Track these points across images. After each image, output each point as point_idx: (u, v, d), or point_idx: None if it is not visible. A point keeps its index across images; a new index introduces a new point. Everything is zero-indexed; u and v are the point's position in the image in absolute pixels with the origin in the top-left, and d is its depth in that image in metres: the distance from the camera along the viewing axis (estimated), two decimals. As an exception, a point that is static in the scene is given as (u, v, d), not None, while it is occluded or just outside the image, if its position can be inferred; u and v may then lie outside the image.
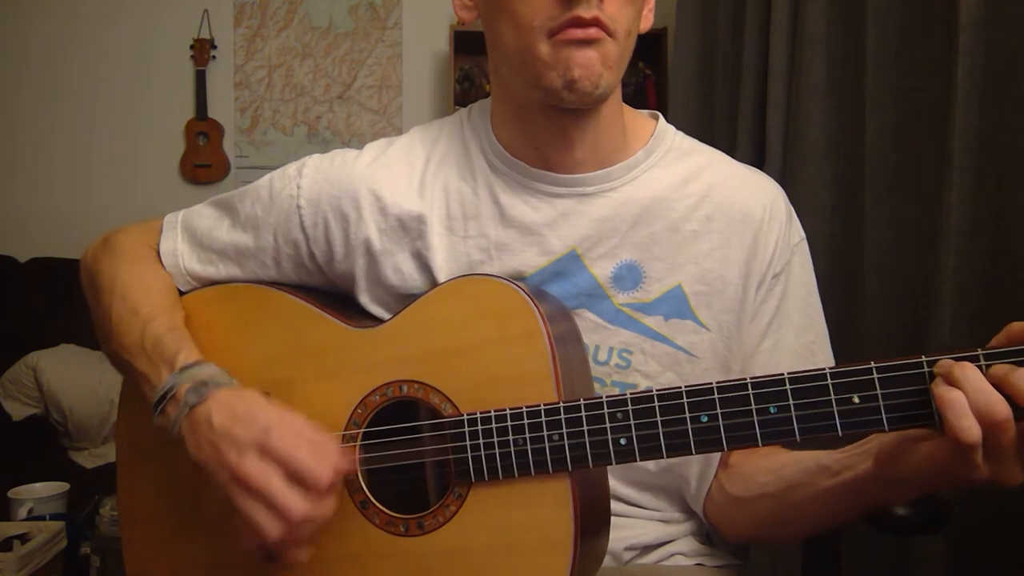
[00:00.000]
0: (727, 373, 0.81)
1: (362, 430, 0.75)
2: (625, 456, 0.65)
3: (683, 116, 2.02)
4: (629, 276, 0.81)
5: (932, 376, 0.58)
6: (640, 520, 0.84)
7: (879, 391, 0.59)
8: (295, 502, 0.65)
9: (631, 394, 0.66)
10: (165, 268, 0.87)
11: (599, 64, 0.71)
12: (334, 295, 0.86)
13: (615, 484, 0.81)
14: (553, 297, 0.78)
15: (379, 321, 0.79)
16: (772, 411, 0.62)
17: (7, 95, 3.04)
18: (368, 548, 0.73)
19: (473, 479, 0.69)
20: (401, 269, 0.83)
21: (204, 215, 0.90)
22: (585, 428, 0.66)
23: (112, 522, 1.61)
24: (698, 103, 2.03)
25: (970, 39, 1.16)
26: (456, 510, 0.70)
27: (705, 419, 0.63)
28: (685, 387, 0.64)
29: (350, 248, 0.83)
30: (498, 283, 0.72)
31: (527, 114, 0.79)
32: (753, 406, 0.62)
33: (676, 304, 0.80)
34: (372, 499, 0.73)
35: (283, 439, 0.67)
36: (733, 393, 0.63)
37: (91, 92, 3.06)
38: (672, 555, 0.85)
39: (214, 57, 3.09)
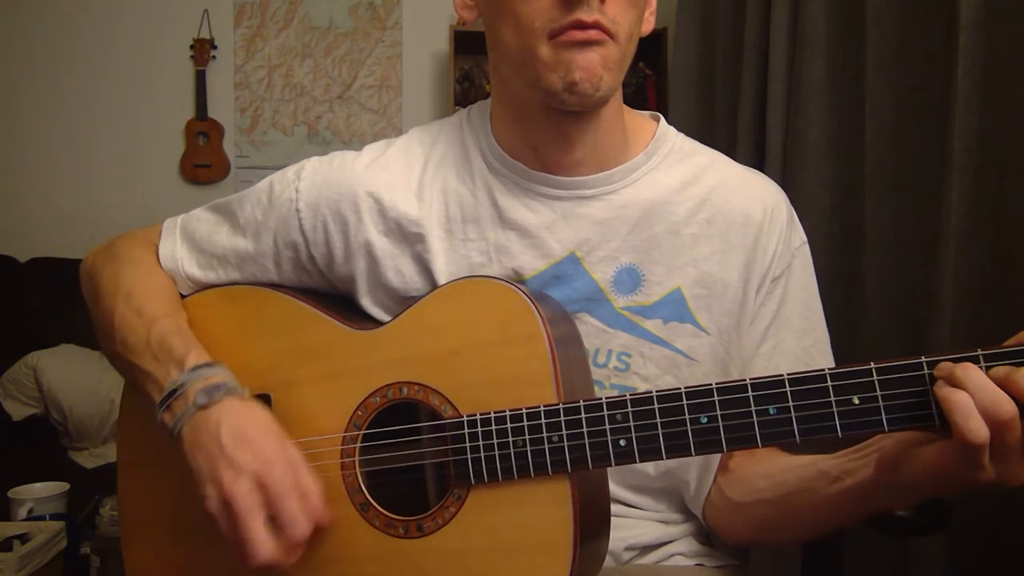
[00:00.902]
0: (726, 377, 0.81)
1: (362, 432, 0.75)
2: (625, 457, 0.65)
3: (683, 116, 2.02)
4: (629, 279, 0.80)
5: (933, 378, 0.58)
6: (640, 520, 0.84)
7: (879, 392, 0.59)
8: (266, 547, 0.67)
9: (630, 395, 0.65)
10: (165, 272, 0.88)
11: (600, 66, 0.71)
12: (334, 297, 0.86)
13: (614, 488, 0.81)
14: (554, 300, 0.78)
15: (379, 323, 0.79)
16: (772, 412, 0.61)
17: (7, 95, 3.03)
18: (367, 550, 0.73)
19: (473, 481, 0.69)
20: (403, 272, 0.82)
21: (203, 220, 0.90)
22: (584, 429, 0.66)
23: (112, 522, 1.61)
24: (698, 103, 2.03)
25: (970, 39, 1.16)
26: (455, 512, 0.70)
27: (705, 420, 0.63)
28: (684, 388, 0.64)
29: (350, 251, 0.83)
30: (498, 285, 0.72)
31: (527, 115, 0.79)
32: (753, 407, 0.62)
33: (675, 307, 0.80)
34: (372, 501, 0.73)
35: (280, 482, 0.68)
36: (733, 395, 0.63)
37: (91, 92, 3.06)
38: (672, 555, 0.85)
39: (214, 57, 3.08)
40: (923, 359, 0.58)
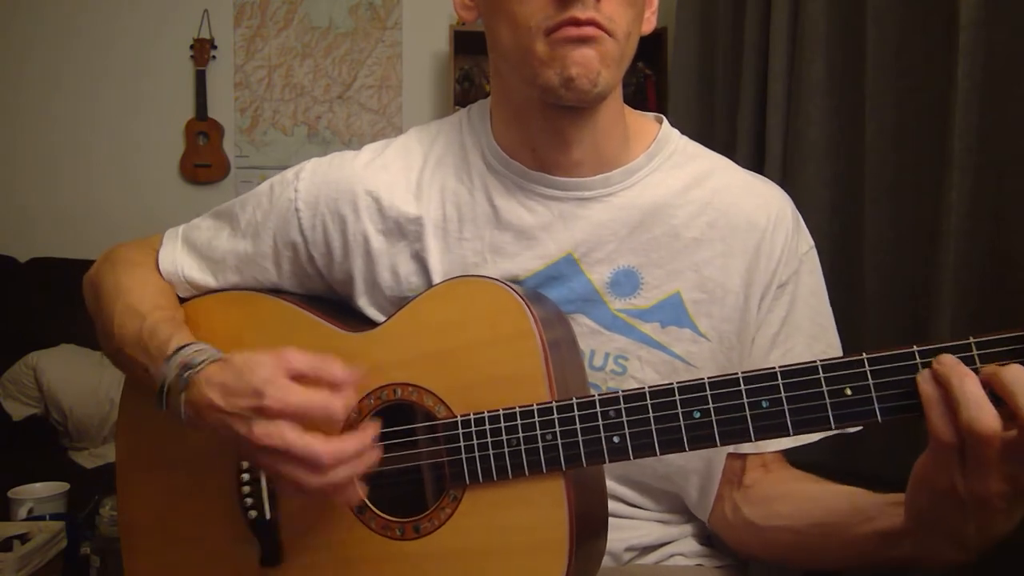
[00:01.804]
0: None
1: (357, 433, 0.74)
2: (619, 454, 0.65)
3: (683, 116, 2.02)
4: (627, 282, 0.80)
5: (924, 367, 0.57)
6: (640, 521, 0.84)
7: (871, 382, 0.59)
8: (318, 447, 0.64)
9: (623, 392, 0.65)
10: (164, 277, 0.88)
11: (597, 62, 0.71)
12: (329, 301, 0.86)
13: (614, 485, 0.81)
14: (550, 301, 0.77)
15: (374, 325, 0.79)
16: (764, 405, 0.61)
17: (7, 95, 3.04)
18: (364, 552, 0.73)
19: (468, 481, 0.69)
20: (398, 271, 0.82)
21: (203, 227, 0.90)
22: (578, 427, 0.66)
23: (112, 522, 1.61)
24: (698, 103, 2.03)
25: (970, 39, 1.16)
26: (452, 512, 0.70)
27: (698, 415, 0.63)
28: (677, 383, 0.64)
29: (348, 249, 0.83)
30: (490, 284, 0.72)
31: (525, 115, 0.79)
32: (745, 400, 0.62)
33: (674, 311, 0.80)
34: (368, 503, 0.73)
35: (275, 395, 0.66)
36: (725, 388, 0.63)
37: (91, 92, 3.06)
38: (672, 556, 0.84)
39: (214, 57, 3.09)
40: (915, 348, 0.58)
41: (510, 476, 0.67)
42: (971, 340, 0.57)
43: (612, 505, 0.75)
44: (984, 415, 0.54)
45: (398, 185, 0.83)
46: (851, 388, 0.59)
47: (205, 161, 3.08)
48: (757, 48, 1.73)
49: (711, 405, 0.63)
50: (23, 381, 2.35)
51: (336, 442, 0.66)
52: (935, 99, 1.25)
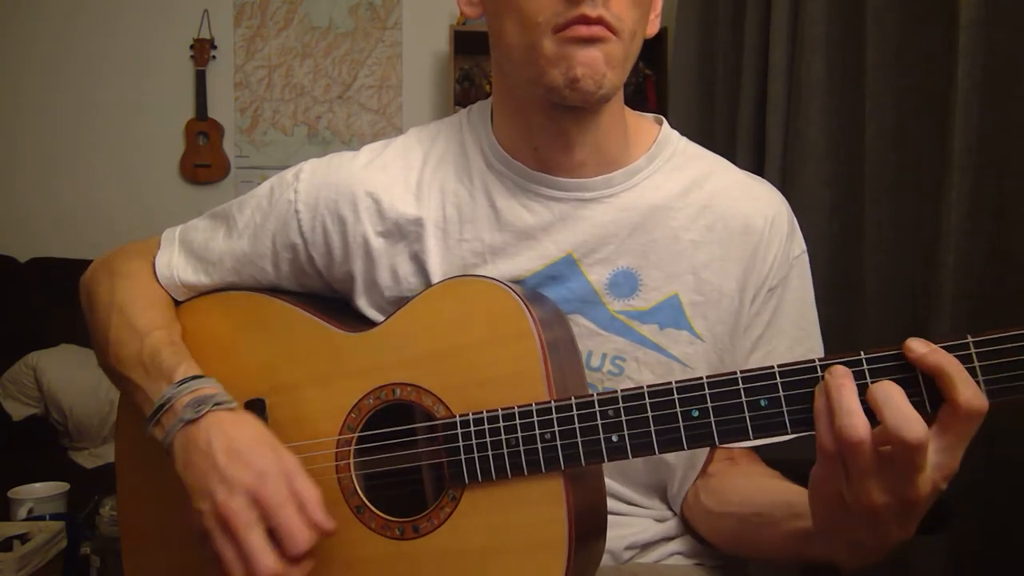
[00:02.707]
0: None
1: (356, 435, 0.74)
2: (617, 453, 0.65)
3: (683, 116, 2.02)
4: (626, 283, 0.80)
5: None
6: (638, 519, 0.84)
7: (868, 381, 0.58)
8: (267, 562, 0.64)
9: (622, 391, 0.65)
10: (160, 281, 0.87)
11: (603, 63, 0.70)
12: (328, 301, 0.86)
13: (609, 482, 0.81)
14: (550, 301, 0.77)
15: (373, 324, 0.79)
16: (763, 404, 0.61)
17: (7, 95, 3.04)
18: (364, 552, 0.73)
19: (467, 481, 0.69)
20: (397, 272, 0.82)
21: (200, 228, 0.90)
22: (577, 426, 0.66)
23: (112, 522, 1.61)
24: (698, 103, 2.03)
25: (970, 39, 1.16)
26: (451, 512, 0.70)
27: (696, 414, 0.63)
28: (676, 383, 0.64)
29: (349, 250, 0.83)
30: (489, 284, 0.72)
31: (527, 114, 0.78)
32: (744, 399, 0.62)
33: (672, 314, 0.80)
34: (368, 503, 0.73)
35: (275, 492, 0.66)
36: (723, 387, 0.62)
37: (91, 92, 3.06)
38: (672, 554, 0.84)
39: (214, 57, 3.09)
40: (903, 346, 0.58)
41: (509, 476, 0.67)
42: (969, 339, 0.57)
43: (609, 503, 0.75)
44: (853, 422, 0.55)
45: (398, 185, 0.83)
46: None
47: (205, 161, 3.08)
48: (757, 48, 1.74)
49: (709, 404, 0.63)
50: (23, 381, 2.35)
51: (283, 567, 0.65)
52: (935, 99, 1.26)
